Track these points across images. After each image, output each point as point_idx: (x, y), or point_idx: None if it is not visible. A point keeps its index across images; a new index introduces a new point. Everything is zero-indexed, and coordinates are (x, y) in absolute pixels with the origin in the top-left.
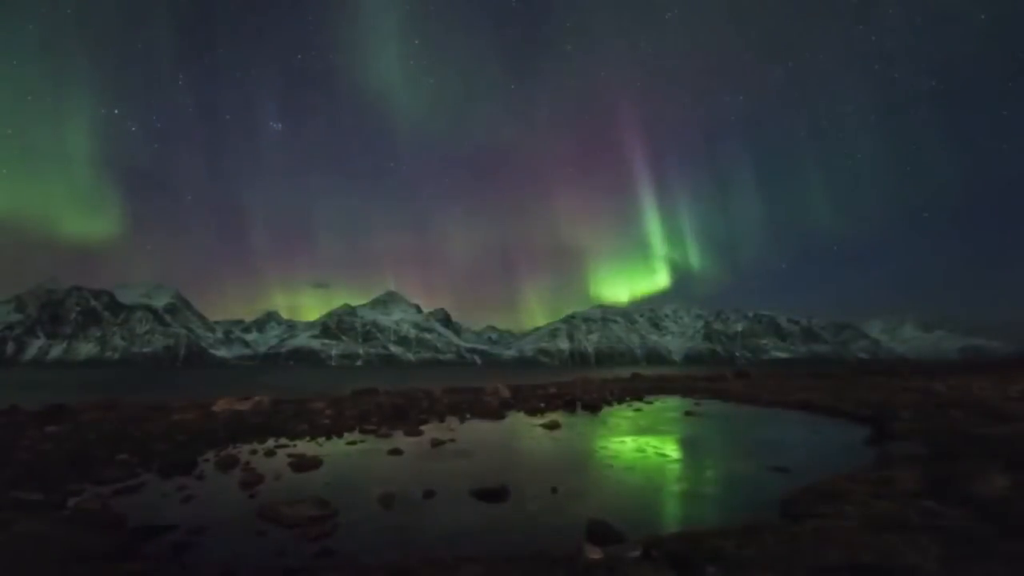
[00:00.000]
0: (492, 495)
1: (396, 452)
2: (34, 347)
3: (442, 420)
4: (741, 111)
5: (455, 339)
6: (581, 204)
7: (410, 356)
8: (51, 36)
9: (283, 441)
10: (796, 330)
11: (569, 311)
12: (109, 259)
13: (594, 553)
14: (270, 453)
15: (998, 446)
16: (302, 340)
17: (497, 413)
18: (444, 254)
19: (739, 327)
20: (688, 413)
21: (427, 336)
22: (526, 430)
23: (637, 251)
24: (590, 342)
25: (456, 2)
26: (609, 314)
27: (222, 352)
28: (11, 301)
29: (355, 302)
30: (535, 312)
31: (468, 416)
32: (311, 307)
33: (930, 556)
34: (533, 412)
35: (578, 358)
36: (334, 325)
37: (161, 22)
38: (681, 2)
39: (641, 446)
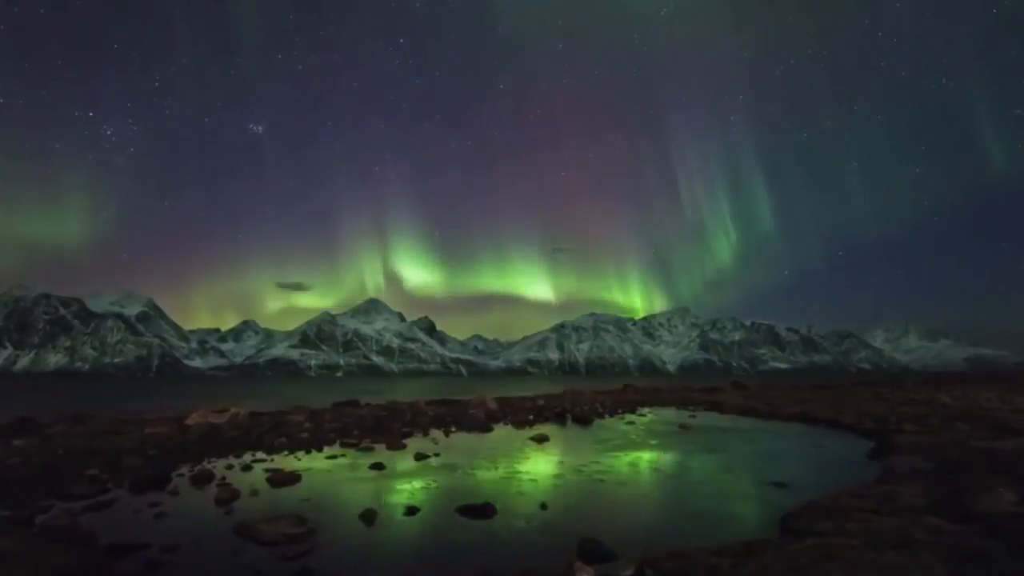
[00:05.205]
0: (478, 511)
1: (378, 467)
2: (0, 357)
3: (426, 433)
4: (740, 110)
5: (440, 349)
6: (574, 206)
7: (393, 366)
8: (22, 36)
9: (260, 455)
10: (795, 339)
11: (559, 320)
12: (80, 265)
13: (585, 572)
14: (246, 468)
15: (1005, 460)
16: (280, 350)
17: (484, 426)
18: (434, 257)
19: (736, 336)
20: (683, 426)
21: (411, 346)
22: (514, 444)
23: (632, 254)
24: (580, 352)
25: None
26: (600, 323)
27: (197, 362)
28: None
29: (336, 309)
30: (524, 320)
31: (453, 429)
32: (290, 314)
33: (934, 575)
34: (521, 425)
35: (568, 368)
36: (313, 334)
37: (137, 21)
38: None
39: (634, 460)
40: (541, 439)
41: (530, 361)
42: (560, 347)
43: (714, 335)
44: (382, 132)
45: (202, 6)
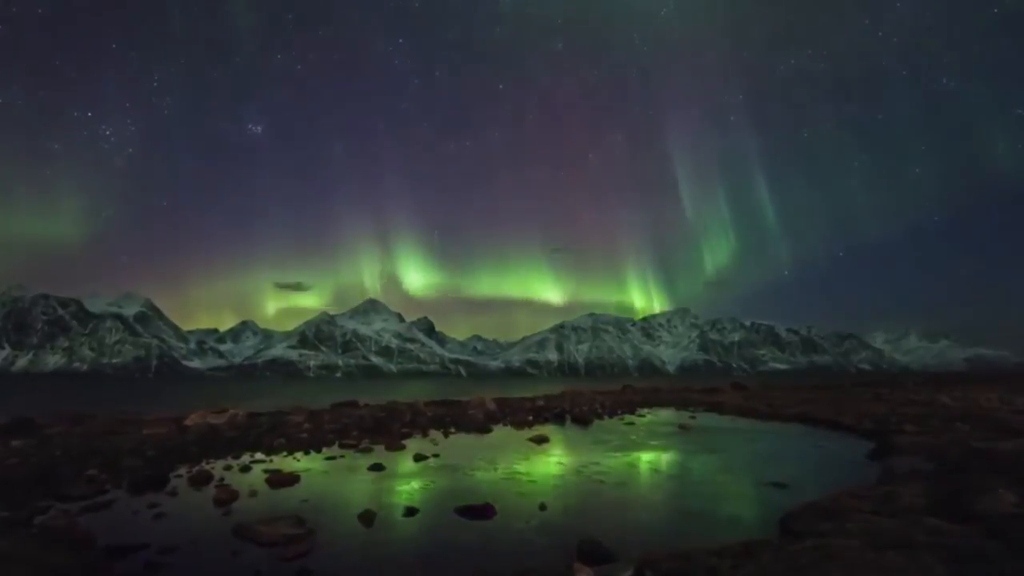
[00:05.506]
0: (477, 512)
1: (377, 468)
2: None
3: (425, 434)
4: (740, 110)
5: (439, 349)
6: (574, 206)
7: (392, 367)
8: (21, 36)
9: (259, 456)
10: (795, 340)
11: (559, 320)
12: (78, 265)
13: (584, 573)
14: (245, 469)
15: (1005, 461)
16: (279, 350)
17: (483, 427)
18: (433, 257)
19: (736, 337)
20: (682, 427)
21: (410, 346)
22: (513, 444)
23: (632, 254)
24: (580, 352)
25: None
26: (600, 323)
27: (195, 363)
28: None
29: (335, 310)
30: (523, 321)
31: (452, 430)
32: (289, 314)
33: (934, 575)
34: (520, 426)
35: (567, 369)
36: (312, 335)
37: (136, 21)
38: None
39: (633, 461)
40: (540, 440)
41: (529, 362)
42: (559, 348)
43: (714, 336)
44: (381, 132)
45: (201, 6)
